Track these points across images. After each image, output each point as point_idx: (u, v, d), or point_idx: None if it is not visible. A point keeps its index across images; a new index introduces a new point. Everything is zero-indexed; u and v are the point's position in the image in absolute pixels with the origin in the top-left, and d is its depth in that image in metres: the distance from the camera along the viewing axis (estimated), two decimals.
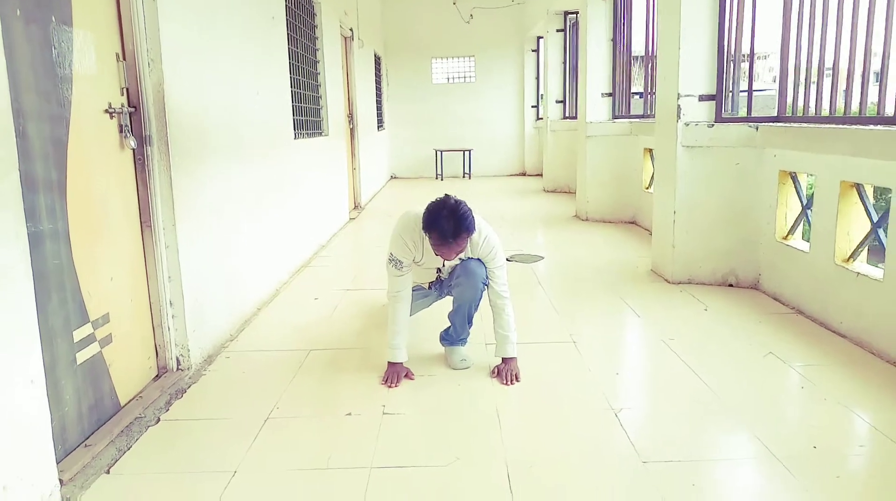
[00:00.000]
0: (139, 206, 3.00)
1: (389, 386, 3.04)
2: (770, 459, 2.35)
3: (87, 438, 2.50)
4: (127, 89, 2.87)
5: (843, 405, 2.74)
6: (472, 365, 3.26)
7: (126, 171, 2.90)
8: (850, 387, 2.93)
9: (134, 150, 2.93)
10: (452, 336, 3.34)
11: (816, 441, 2.47)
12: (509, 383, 3.05)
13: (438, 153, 13.35)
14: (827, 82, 3.80)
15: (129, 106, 2.86)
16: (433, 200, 2.86)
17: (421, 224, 2.87)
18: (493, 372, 3.16)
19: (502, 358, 3.16)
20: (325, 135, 6.98)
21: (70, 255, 2.43)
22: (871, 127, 3.31)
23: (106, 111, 2.72)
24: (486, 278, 3.12)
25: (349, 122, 8.81)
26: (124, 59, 2.85)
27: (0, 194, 1.84)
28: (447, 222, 2.74)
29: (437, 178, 13.41)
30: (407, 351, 3.16)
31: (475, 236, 3.03)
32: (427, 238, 2.89)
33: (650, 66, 6.63)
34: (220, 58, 3.78)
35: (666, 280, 4.80)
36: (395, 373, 3.09)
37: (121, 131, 2.82)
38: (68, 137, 2.44)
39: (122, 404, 2.80)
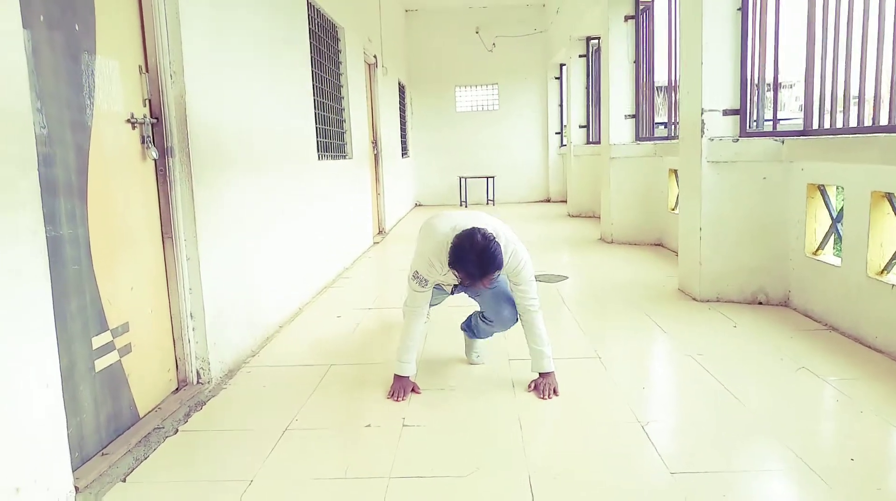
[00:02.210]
0: (160, 216, 3.01)
1: (396, 400, 2.98)
2: (805, 470, 2.25)
3: (105, 447, 2.48)
4: (149, 101, 2.90)
5: (881, 418, 2.63)
6: (486, 364, 3.28)
7: (148, 181, 2.92)
8: (888, 400, 2.81)
9: (156, 161, 2.95)
10: (474, 331, 3.34)
11: (854, 453, 2.36)
12: (547, 397, 2.97)
13: (462, 180, 13.37)
14: (853, 109, 3.73)
15: (151, 117, 2.89)
16: (460, 232, 2.75)
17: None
18: (529, 386, 3.09)
19: (539, 373, 3.10)
20: (349, 158, 7.02)
21: (90, 261, 2.44)
22: None
23: (128, 121, 2.74)
24: (514, 309, 3.09)
25: (373, 148, 8.87)
26: (147, 71, 2.89)
27: (19, 192, 1.85)
28: (474, 266, 2.65)
29: (461, 205, 13.41)
30: (416, 366, 3.12)
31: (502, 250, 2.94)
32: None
33: (673, 94, 6.58)
34: (243, 74, 3.83)
35: (693, 298, 4.70)
36: (401, 387, 3.03)
37: (143, 142, 2.84)
38: (90, 144, 2.46)
39: (141, 415, 2.78)
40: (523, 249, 3.00)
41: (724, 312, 4.33)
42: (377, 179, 9.11)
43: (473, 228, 2.75)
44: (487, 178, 13.37)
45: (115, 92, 2.66)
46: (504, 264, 2.83)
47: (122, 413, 2.64)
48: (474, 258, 2.64)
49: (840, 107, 3.87)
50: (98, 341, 2.48)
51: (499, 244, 2.72)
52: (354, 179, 7.21)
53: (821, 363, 3.28)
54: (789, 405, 2.83)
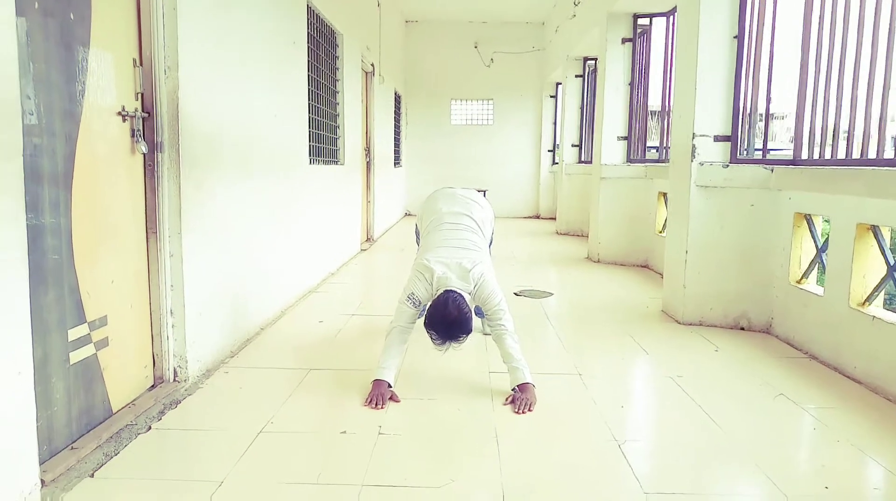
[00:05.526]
0: (146, 211, 2.98)
1: (374, 407, 2.96)
2: (779, 497, 2.24)
3: (75, 441, 2.44)
4: (142, 94, 2.88)
5: (857, 448, 2.64)
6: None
7: (135, 175, 2.89)
8: (864, 431, 2.82)
9: (145, 155, 2.93)
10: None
11: (829, 481, 2.36)
12: (521, 412, 2.96)
13: None
14: (842, 142, 3.77)
15: (142, 111, 2.88)
16: (437, 298, 3.04)
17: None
18: (507, 400, 3.08)
19: (517, 386, 3.09)
20: (341, 164, 7.01)
21: (71, 252, 2.41)
22: (889, 168, 3.26)
23: (119, 114, 2.73)
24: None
25: (366, 155, 8.87)
26: (141, 64, 2.87)
27: (1, 177, 1.83)
28: (444, 334, 2.98)
29: None
30: (395, 376, 3.15)
31: (470, 275, 3.15)
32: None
33: (666, 118, 6.62)
34: (238, 74, 3.82)
35: (676, 321, 4.71)
36: (380, 394, 3.02)
37: (133, 136, 2.82)
38: (78, 134, 2.44)
39: (115, 410, 2.74)
40: (492, 280, 3.21)
41: (706, 335, 4.34)
42: (368, 187, 9.11)
43: (447, 294, 3.03)
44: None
45: (107, 84, 2.64)
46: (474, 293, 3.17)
47: (95, 408, 2.61)
48: (445, 329, 2.98)
49: (830, 139, 3.90)
50: (74, 333, 2.44)
51: (469, 314, 3.03)
52: (345, 185, 7.20)
53: (800, 391, 3.29)
54: (767, 431, 2.83)
